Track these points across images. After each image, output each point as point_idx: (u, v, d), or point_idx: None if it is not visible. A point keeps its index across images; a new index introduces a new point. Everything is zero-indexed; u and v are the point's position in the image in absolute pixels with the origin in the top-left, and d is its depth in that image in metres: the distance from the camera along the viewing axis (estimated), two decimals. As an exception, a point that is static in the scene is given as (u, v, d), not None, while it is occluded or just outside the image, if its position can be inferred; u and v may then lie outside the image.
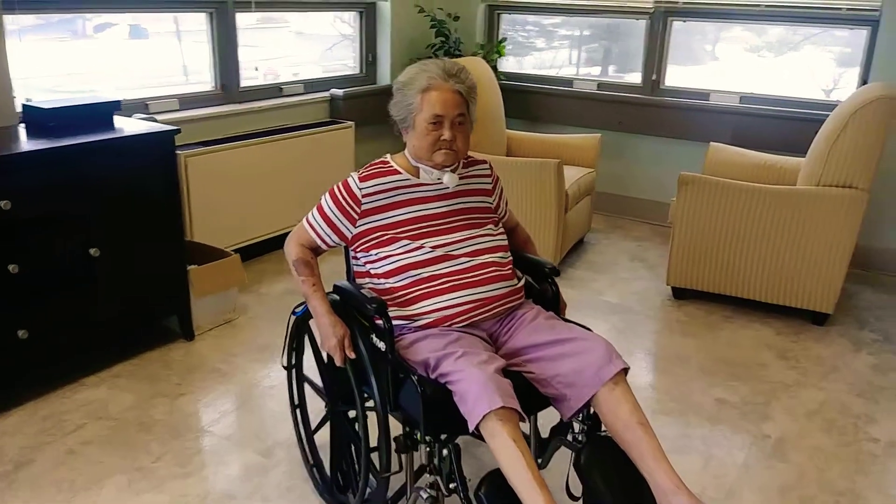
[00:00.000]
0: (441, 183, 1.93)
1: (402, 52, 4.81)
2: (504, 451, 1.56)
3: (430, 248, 1.87)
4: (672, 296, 3.58)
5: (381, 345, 1.79)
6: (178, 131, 2.85)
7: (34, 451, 2.30)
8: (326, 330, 1.83)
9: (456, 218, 1.94)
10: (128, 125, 2.86)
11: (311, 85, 4.40)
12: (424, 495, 1.74)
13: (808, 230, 3.18)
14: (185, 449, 2.34)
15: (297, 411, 2.24)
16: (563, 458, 1.89)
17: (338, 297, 1.94)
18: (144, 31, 3.78)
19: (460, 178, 1.95)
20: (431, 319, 1.83)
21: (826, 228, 3.15)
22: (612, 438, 1.73)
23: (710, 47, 4.63)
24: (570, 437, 1.95)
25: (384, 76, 4.81)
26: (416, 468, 1.84)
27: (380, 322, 1.81)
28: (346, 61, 4.72)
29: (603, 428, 1.81)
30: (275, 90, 4.21)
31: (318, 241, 1.94)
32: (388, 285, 1.87)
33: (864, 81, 3.90)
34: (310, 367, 2.20)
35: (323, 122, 4.29)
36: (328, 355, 1.96)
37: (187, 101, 3.74)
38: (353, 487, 2.00)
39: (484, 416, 1.58)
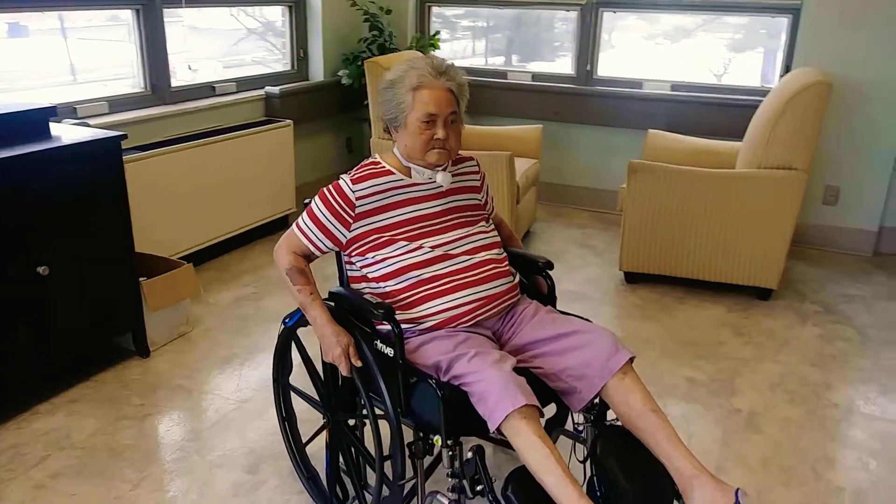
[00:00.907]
0: (433, 182, 1.90)
1: (334, 48, 4.71)
2: (532, 448, 1.56)
3: (430, 248, 1.84)
4: (624, 280, 3.68)
5: (389, 351, 1.74)
6: (124, 136, 2.68)
7: (-4, 490, 2.13)
8: (330, 340, 1.76)
9: (450, 217, 1.91)
10: (65, 132, 2.67)
11: (244, 83, 4.24)
12: (445, 501, 1.71)
13: (752, 211, 3.32)
14: (163, 473, 2.22)
15: (286, 424, 2.15)
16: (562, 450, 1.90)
17: (333, 305, 1.87)
18: (24, 30, 3.45)
19: (452, 177, 1.92)
20: (437, 321, 1.80)
21: (768, 208, 3.30)
22: (625, 427, 1.75)
23: (638, 37, 4.76)
24: (570, 428, 1.99)
25: (317, 73, 4.69)
26: (426, 470, 1.82)
27: (385, 327, 1.77)
28: (253, 55, 4.53)
29: (609, 417, 1.83)
30: (207, 89, 4.03)
31: (312, 248, 1.87)
32: (387, 289, 1.83)
33: (787, 68, 4.11)
34: (294, 378, 2.14)
35: (259, 122, 4.15)
36: (328, 365, 1.89)
37: (117, 103, 3.53)
38: (360, 497, 1.94)
39: (507, 416, 1.56)
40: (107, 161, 2.63)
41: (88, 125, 3.07)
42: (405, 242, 1.84)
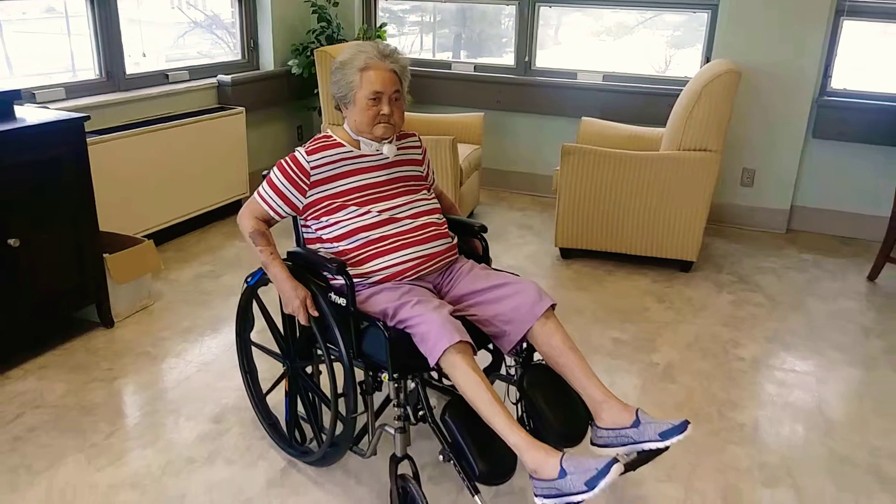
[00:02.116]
0: (380, 154, 2.13)
1: (283, 38, 4.89)
2: (465, 377, 1.80)
3: (377, 212, 2.08)
4: (560, 256, 3.97)
5: (341, 301, 1.97)
6: (87, 118, 2.84)
7: (-26, 444, 2.29)
8: (289, 293, 1.98)
9: (396, 185, 2.15)
10: (30, 114, 2.81)
11: (196, 71, 4.40)
12: (391, 429, 1.95)
13: (673, 190, 3.64)
14: (135, 425, 2.41)
15: (248, 377, 2.37)
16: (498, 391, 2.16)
17: (291, 264, 2.09)
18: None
19: (397, 149, 2.16)
20: (385, 275, 2.04)
21: (687, 187, 3.63)
22: (547, 364, 2.02)
23: (583, 32, 5.06)
24: (503, 373, 2.25)
25: (267, 62, 4.87)
26: (375, 409, 2.06)
27: (338, 281, 2.00)
28: (198, 48, 4.64)
29: (535, 357, 2.10)
30: (161, 77, 4.18)
31: (271, 213, 2.09)
32: (340, 248, 2.06)
33: (707, 59, 4.46)
34: (255, 336, 2.35)
35: (212, 109, 4.31)
36: (287, 317, 2.12)
37: (73, 89, 3.67)
38: (317, 436, 2.17)
39: (444, 351, 1.81)
40: (71, 141, 2.79)
41: (48, 109, 3.21)
42: (355, 207, 2.07)
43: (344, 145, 2.11)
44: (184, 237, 4.05)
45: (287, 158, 2.08)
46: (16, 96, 2.85)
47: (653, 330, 3.20)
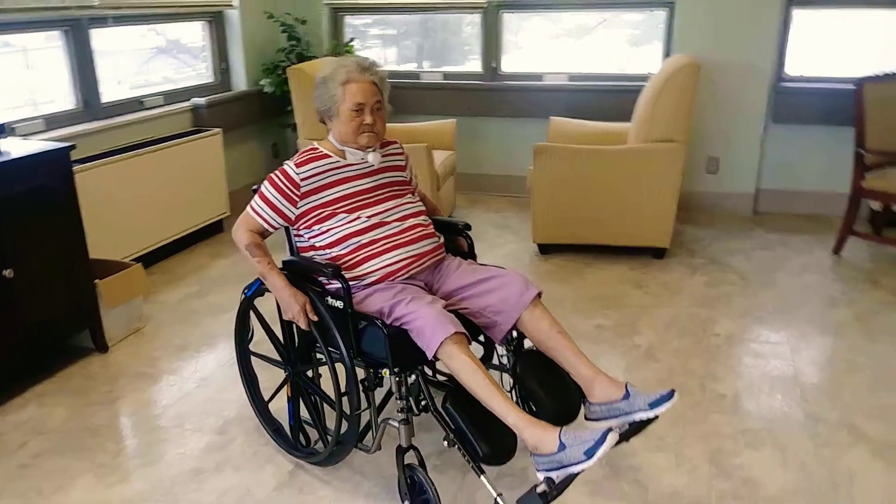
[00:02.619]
0: (366, 162, 2.23)
1: (254, 58, 4.97)
2: (463, 366, 1.91)
3: (366, 217, 2.17)
4: (538, 252, 4.10)
5: (339, 304, 2.07)
6: (73, 147, 2.90)
7: (-15, 471, 2.33)
8: (289, 300, 2.07)
9: (382, 191, 2.25)
10: (14, 147, 2.87)
11: (170, 96, 4.46)
12: (395, 422, 2.04)
13: (643, 180, 3.79)
14: (140, 443, 2.47)
15: (250, 386, 2.45)
16: (497, 378, 2.26)
17: (286, 272, 2.18)
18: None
19: (381, 157, 2.27)
20: (378, 277, 2.13)
21: (657, 177, 3.77)
22: (538, 349, 2.13)
23: (544, 35, 5.21)
24: (496, 362, 2.36)
25: (239, 82, 4.94)
26: (377, 405, 2.15)
27: (334, 285, 2.10)
28: (163, 73, 4.64)
29: (526, 345, 2.21)
30: (136, 104, 4.23)
31: (265, 226, 2.18)
32: (333, 254, 2.15)
33: (667, 54, 4.63)
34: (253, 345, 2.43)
35: (189, 132, 4.37)
36: (287, 324, 2.21)
37: (53, 120, 3.72)
38: (322, 437, 2.26)
39: (441, 343, 1.91)
40: (58, 171, 2.85)
41: (32, 141, 3.26)
42: (345, 214, 2.16)
43: (331, 156, 2.21)
44: (169, 259, 4.11)
45: (277, 172, 2.18)
46: (0, 130, 2.90)
47: (633, 314, 3.33)
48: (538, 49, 5.17)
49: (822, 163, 4.53)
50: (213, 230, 4.49)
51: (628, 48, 5.02)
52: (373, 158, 2.23)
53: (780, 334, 3.14)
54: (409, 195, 2.32)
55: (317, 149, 2.23)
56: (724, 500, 2.14)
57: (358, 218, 2.17)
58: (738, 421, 2.52)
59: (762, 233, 4.38)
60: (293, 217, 2.17)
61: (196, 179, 4.27)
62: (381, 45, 5.51)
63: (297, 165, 2.17)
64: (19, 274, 2.68)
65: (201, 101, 4.48)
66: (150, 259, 3.98)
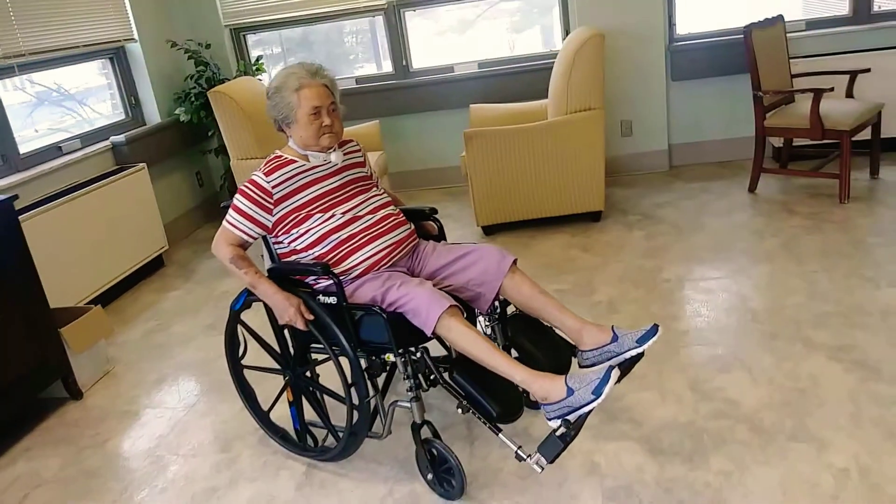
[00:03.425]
0: (329, 162, 2.31)
1: (164, 89, 4.91)
2: (463, 336, 2.01)
3: (341, 214, 2.25)
4: (483, 234, 4.25)
5: (331, 300, 2.14)
6: (15, 197, 2.84)
7: (-10, 534, 2.28)
8: (282, 304, 2.13)
9: (349, 187, 2.33)
10: (-50, 207, 2.78)
11: (87, 138, 4.36)
12: (405, 402, 2.14)
13: (570, 150, 3.99)
14: (145, 476, 2.46)
15: (248, 398, 2.48)
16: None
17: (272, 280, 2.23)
18: None
19: (343, 155, 2.35)
20: (363, 269, 2.21)
21: (582, 145, 3.98)
22: (523, 312, 2.27)
23: (428, 33, 5.36)
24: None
25: (153, 115, 4.87)
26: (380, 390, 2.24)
27: (323, 283, 2.17)
28: (49, 124, 4.33)
29: (509, 310, 2.34)
30: (55, 150, 4.12)
31: (244, 237, 2.22)
32: (316, 253, 2.22)
33: (566, 31, 4.86)
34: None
35: (113, 171, 4.29)
36: (281, 329, 2.26)
37: (-27, 177, 3.59)
38: (332, 432, 2.32)
39: (439, 318, 2.01)
40: (3, 222, 2.78)
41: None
42: (320, 214, 2.24)
43: (296, 161, 2.27)
44: (116, 301, 4.03)
45: (247, 183, 2.22)
46: (-69, 192, 2.81)
47: (586, 275, 3.53)
48: (432, 47, 5.30)
49: (724, 111, 4.88)
50: (155, 266, 4.42)
51: (512, 34, 5.22)
52: (336, 158, 2.31)
53: (720, 270, 3.40)
54: (374, 188, 2.41)
55: (281, 156, 2.29)
56: (712, 420, 2.34)
57: (333, 216, 2.24)
58: (704, 351, 2.74)
59: (682, 184, 4.68)
60: (270, 225, 2.23)
61: (129, 217, 4.19)
62: (270, 64, 5.50)
63: (266, 174, 2.22)
64: (-17, 333, 2.61)
65: (120, 138, 4.40)
66: (97, 303, 3.88)
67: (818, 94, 3.82)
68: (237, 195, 2.23)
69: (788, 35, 4.37)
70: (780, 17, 4.28)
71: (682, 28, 4.83)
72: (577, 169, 4.02)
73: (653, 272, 3.46)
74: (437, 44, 5.31)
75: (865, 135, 4.13)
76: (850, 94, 4.20)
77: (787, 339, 2.75)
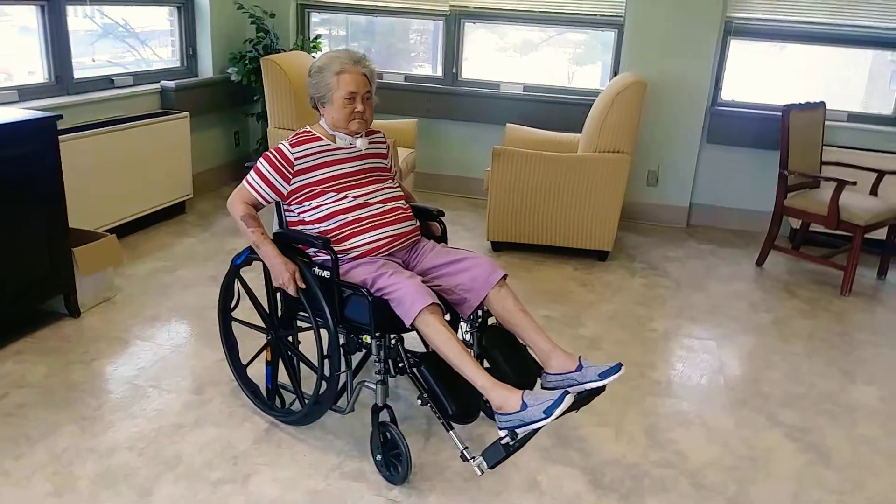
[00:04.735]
0: (354, 147, 2.44)
1: (221, 47, 5.08)
2: (438, 333, 2.13)
3: (353, 197, 2.38)
4: (491, 248, 4.36)
5: (325, 273, 2.27)
6: (60, 117, 3.01)
7: (-33, 420, 2.43)
8: (280, 268, 2.26)
9: (367, 174, 2.46)
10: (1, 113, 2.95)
11: (139, 77, 4.54)
12: (371, 384, 2.26)
13: (591, 187, 4.10)
14: (120, 398, 2.60)
15: (230, 350, 2.61)
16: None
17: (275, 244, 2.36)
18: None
19: (368, 143, 2.48)
20: (361, 252, 2.34)
21: (603, 185, 4.09)
22: (502, 325, 2.38)
23: (491, 48, 5.50)
24: (460, 338, 2.59)
25: (206, 69, 5.05)
26: (353, 368, 2.36)
27: (321, 257, 2.30)
28: (109, 56, 4.51)
29: (490, 321, 2.45)
30: (107, 82, 4.31)
31: (259, 199, 2.36)
32: (321, 228, 2.35)
33: (615, 72, 4.98)
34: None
35: (157, 113, 4.46)
36: (273, 292, 2.39)
37: (26, 92, 3.77)
38: (299, 397, 2.45)
39: (419, 312, 2.13)
40: (44, 139, 2.95)
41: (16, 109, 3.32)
42: (334, 193, 2.37)
43: (322, 139, 2.41)
44: (133, 235, 4.19)
45: (273, 150, 2.36)
46: (-15, 96, 2.98)
47: (578, 309, 3.62)
48: (487, 60, 5.44)
49: (749, 182, 4.96)
50: (177, 211, 4.59)
51: (572, 65, 5.35)
52: (360, 144, 2.44)
53: (708, 332, 3.48)
54: (390, 181, 2.54)
55: (309, 132, 2.42)
56: (657, 468, 2.43)
57: (345, 197, 2.37)
58: (670, 403, 2.83)
59: (694, 243, 4.76)
60: (285, 192, 2.36)
61: (162, 160, 4.36)
62: (329, 45, 5.67)
63: (292, 145, 2.36)
64: (2, 236, 2.77)
65: (170, 84, 4.58)
66: (115, 233, 4.05)
67: (841, 184, 3.89)
68: (261, 159, 2.37)
69: (828, 123, 4.45)
70: (822, 103, 4.36)
71: (726, 93, 4.92)
72: (594, 207, 4.12)
73: (642, 320, 3.55)
74: (494, 58, 5.44)
75: (882, 234, 4.19)
76: (874, 192, 4.26)
77: (752, 409, 2.83)
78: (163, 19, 4.91)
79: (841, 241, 4.43)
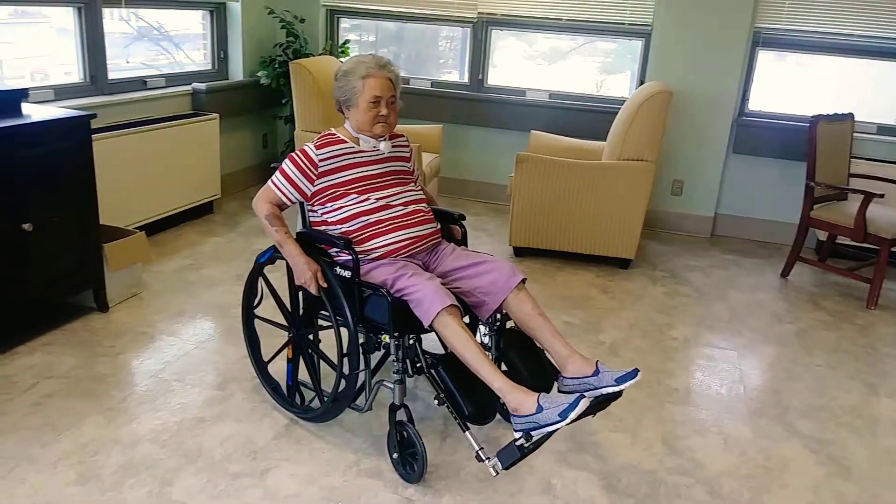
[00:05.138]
0: (377, 150, 2.48)
1: (252, 50, 5.17)
2: (456, 335, 2.16)
3: (375, 199, 2.42)
4: (514, 254, 4.38)
5: (346, 273, 2.31)
6: (94, 116, 3.09)
7: (-2, 407, 2.50)
8: (302, 267, 2.30)
9: (389, 177, 2.50)
10: (35, 111, 3.04)
11: (171, 79, 4.64)
12: (390, 383, 2.29)
13: (614, 195, 4.10)
14: (145, 391, 2.66)
15: (252, 346, 2.66)
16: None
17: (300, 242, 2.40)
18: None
19: (391, 147, 2.52)
20: (382, 253, 2.37)
21: (627, 192, 4.09)
22: (520, 329, 2.40)
23: (519, 56, 5.53)
24: (478, 341, 2.61)
25: (236, 72, 5.14)
26: (372, 367, 2.40)
27: (342, 257, 2.34)
28: (142, 58, 4.61)
29: (508, 324, 2.47)
30: (139, 83, 4.41)
31: (283, 199, 2.41)
32: (343, 229, 2.39)
33: (641, 81, 4.97)
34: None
35: (188, 115, 4.55)
36: (295, 290, 2.44)
37: (62, 91, 3.88)
38: (319, 395, 2.48)
39: (438, 314, 2.16)
40: (78, 136, 3.03)
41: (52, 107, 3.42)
42: (356, 195, 2.41)
43: (346, 142, 2.45)
44: (161, 234, 4.28)
45: (298, 152, 2.41)
46: (23, 95, 3.07)
47: (598, 315, 3.63)
48: (513, 67, 5.47)
49: (775, 193, 4.92)
50: (204, 210, 4.67)
51: (600, 74, 5.36)
52: (384, 147, 2.48)
53: (728, 342, 3.46)
54: (412, 184, 2.57)
55: (334, 134, 2.47)
56: (673, 475, 2.43)
57: (367, 199, 2.41)
58: (688, 411, 2.82)
59: (718, 253, 4.73)
60: (309, 193, 2.41)
61: (192, 160, 4.45)
62: (358, 50, 5.74)
63: (317, 147, 2.40)
64: (37, 230, 2.85)
65: (201, 86, 4.67)
66: (143, 230, 4.13)
67: (868, 196, 3.85)
68: (286, 160, 2.41)
69: (857, 135, 4.41)
70: (851, 115, 4.32)
71: (754, 103, 4.90)
72: (617, 215, 4.12)
73: (662, 328, 3.55)
74: (522, 65, 5.47)
75: (909, 248, 4.14)
76: (902, 205, 4.21)
77: (771, 419, 2.81)
78: (196, 23, 5.01)
79: (868, 253, 4.38)
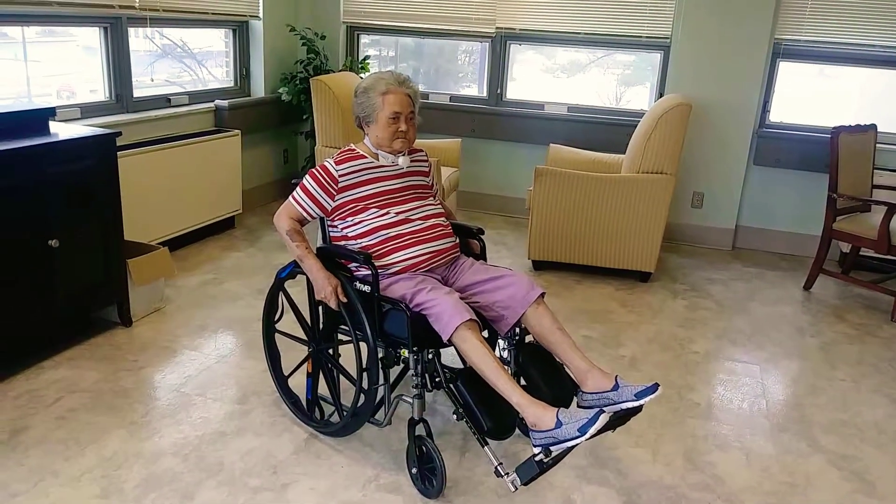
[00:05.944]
0: (396, 165, 2.50)
1: (274, 67, 5.24)
2: (475, 350, 2.16)
3: (394, 214, 2.44)
4: (532, 268, 4.37)
5: (366, 288, 2.32)
6: (119, 134, 3.15)
7: (24, 420, 2.54)
8: (322, 282, 2.32)
9: (408, 192, 2.52)
10: (62, 129, 3.10)
11: (195, 96, 4.71)
12: (408, 398, 2.29)
13: (634, 208, 4.09)
14: (167, 405, 2.69)
15: (272, 360, 2.68)
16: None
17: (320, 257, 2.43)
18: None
19: (410, 162, 2.54)
20: (401, 267, 2.39)
21: (646, 205, 4.08)
22: (539, 343, 2.40)
23: (538, 69, 5.55)
24: (497, 355, 2.61)
25: (258, 89, 5.21)
26: (391, 382, 2.40)
27: (362, 272, 2.36)
28: (166, 76, 4.66)
29: (527, 339, 2.47)
30: (164, 101, 4.48)
31: (304, 214, 2.43)
32: (363, 244, 2.41)
33: (660, 93, 4.97)
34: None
35: (210, 131, 4.62)
36: (315, 305, 2.46)
37: (88, 109, 3.95)
38: (338, 409, 2.50)
39: (457, 328, 2.16)
40: (104, 154, 3.08)
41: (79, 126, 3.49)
42: (376, 210, 2.43)
43: (366, 157, 2.48)
44: (183, 249, 4.33)
45: (318, 168, 2.44)
46: (51, 113, 3.14)
47: (618, 329, 3.61)
48: (532, 81, 5.49)
49: (797, 205, 4.88)
50: (226, 226, 4.72)
51: (619, 86, 5.37)
52: (403, 162, 2.50)
53: (750, 356, 3.43)
54: (431, 198, 2.59)
55: (354, 150, 2.49)
56: (694, 491, 2.40)
57: (387, 213, 2.43)
58: (709, 426, 2.79)
59: (739, 266, 4.69)
60: (329, 209, 2.43)
61: (214, 176, 4.51)
62: (378, 65, 5.80)
63: (337, 163, 2.43)
64: (63, 245, 2.90)
65: (224, 103, 4.73)
66: (166, 246, 4.19)
67: (892, 208, 3.81)
68: (307, 176, 2.44)
69: (880, 146, 4.37)
70: (874, 126, 4.28)
71: (775, 115, 4.87)
72: (637, 228, 4.11)
73: (683, 342, 3.52)
74: (541, 79, 5.49)
75: (935, 260, 4.08)
76: (927, 217, 4.16)
77: (794, 434, 2.78)
78: (219, 41, 5.09)
79: (892, 265, 4.32)
